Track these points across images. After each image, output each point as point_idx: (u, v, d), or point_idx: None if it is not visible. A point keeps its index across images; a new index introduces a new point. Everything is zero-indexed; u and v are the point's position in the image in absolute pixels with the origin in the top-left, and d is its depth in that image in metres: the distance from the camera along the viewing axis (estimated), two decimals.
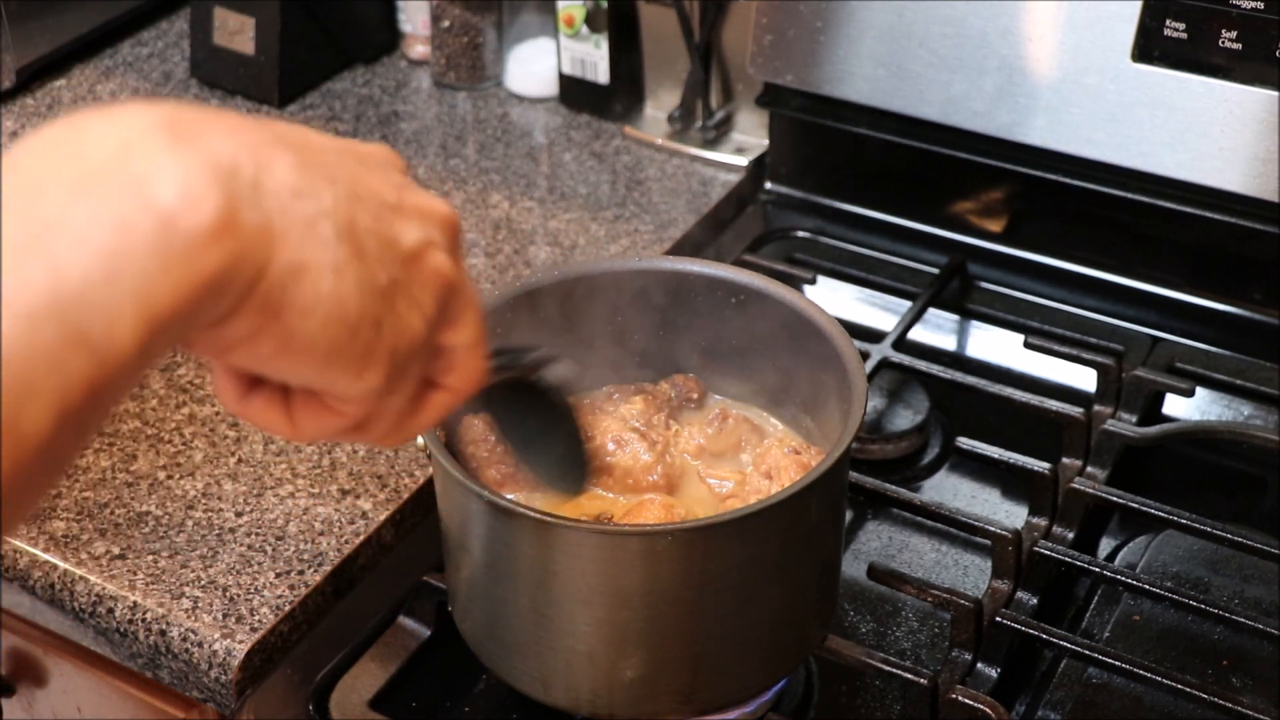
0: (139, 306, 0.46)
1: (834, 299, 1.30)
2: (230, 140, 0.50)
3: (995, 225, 1.34)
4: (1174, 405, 1.19)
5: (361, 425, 0.61)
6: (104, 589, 0.99)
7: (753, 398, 1.00)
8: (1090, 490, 1.05)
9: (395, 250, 0.56)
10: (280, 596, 0.99)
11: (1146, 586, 0.99)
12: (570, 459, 0.87)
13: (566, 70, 1.50)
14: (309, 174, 0.52)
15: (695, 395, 0.99)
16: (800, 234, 1.37)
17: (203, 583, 1.00)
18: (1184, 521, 1.03)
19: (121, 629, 0.99)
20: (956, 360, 1.27)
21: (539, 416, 0.83)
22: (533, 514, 0.81)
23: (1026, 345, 1.21)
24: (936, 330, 1.29)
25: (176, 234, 0.47)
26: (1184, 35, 1.17)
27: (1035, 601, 1.00)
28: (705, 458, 0.96)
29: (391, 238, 0.56)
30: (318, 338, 0.53)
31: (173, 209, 0.47)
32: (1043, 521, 1.06)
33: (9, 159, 0.47)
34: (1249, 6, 1.14)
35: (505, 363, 0.76)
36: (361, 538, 1.03)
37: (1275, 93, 1.15)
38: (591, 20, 1.45)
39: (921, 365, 1.17)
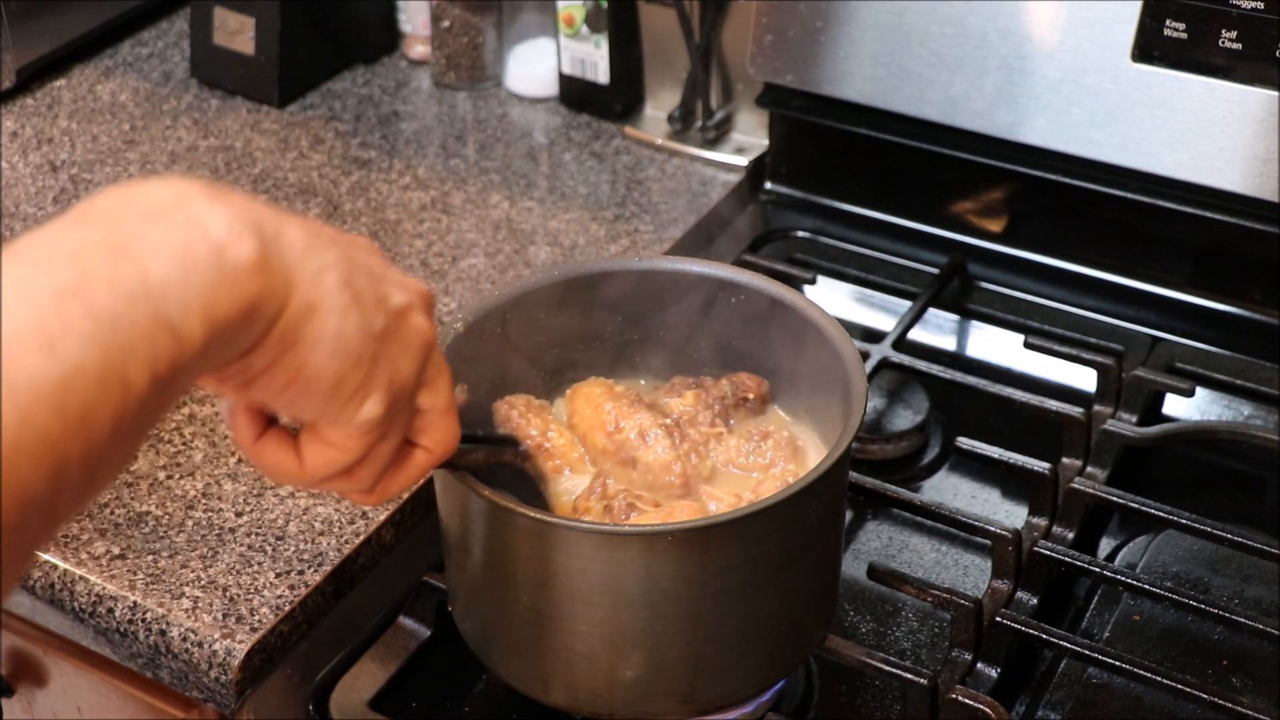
0: (204, 307, 0.55)
1: (834, 299, 1.30)
2: (252, 205, 0.60)
3: (995, 225, 1.34)
4: (1174, 405, 1.19)
5: (356, 467, 0.70)
6: (104, 589, 0.99)
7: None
8: (1090, 490, 1.05)
9: (386, 305, 0.66)
10: (280, 596, 0.99)
11: (1146, 586, 0.99)
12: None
13: (566, 70, 1.50)
14: (314, 237, 0.62)
15: (752, 396, 0.97)
16: (800, 234, 1.37)
17: (203, 583, 1.00)
18: (1184, 521, 1.03)
19: (121, 629, 0.99)
20: (956, 360, 1.27)
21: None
22: (532, 514, 0.81)
23: (1026, 345, 1.21)
24: (936, 330, 1.29)
25: (227, 260, 0.57)
26: (1184, 35, 1.17)
27: (1035, 601, 1.00)
28: (736, 468, 0.94)
29: (383, 295, 0.66)
30: (325, 367, 0.63)
31: (223, 241, 0.57)
32: (1043, 521, 1.06)
33: (82, 204, 0.57)
34: (1249, 6, 1.14)
35: (494, 450, 0.87)
36: (361, 538, 1.03)
37: (1275, 93, 1.15)
38: (591, 20, 1.45)
39: (921, 365, 1.17)
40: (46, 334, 0.50)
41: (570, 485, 0.92)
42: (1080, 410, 1.11)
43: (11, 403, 0.48)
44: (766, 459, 0.93)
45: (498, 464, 0.85)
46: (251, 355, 0.60)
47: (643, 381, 1.01)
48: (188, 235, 0.56)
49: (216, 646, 0.96)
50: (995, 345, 1.27)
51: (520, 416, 0.93)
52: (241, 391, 0.63)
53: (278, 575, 1.00)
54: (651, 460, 0.92)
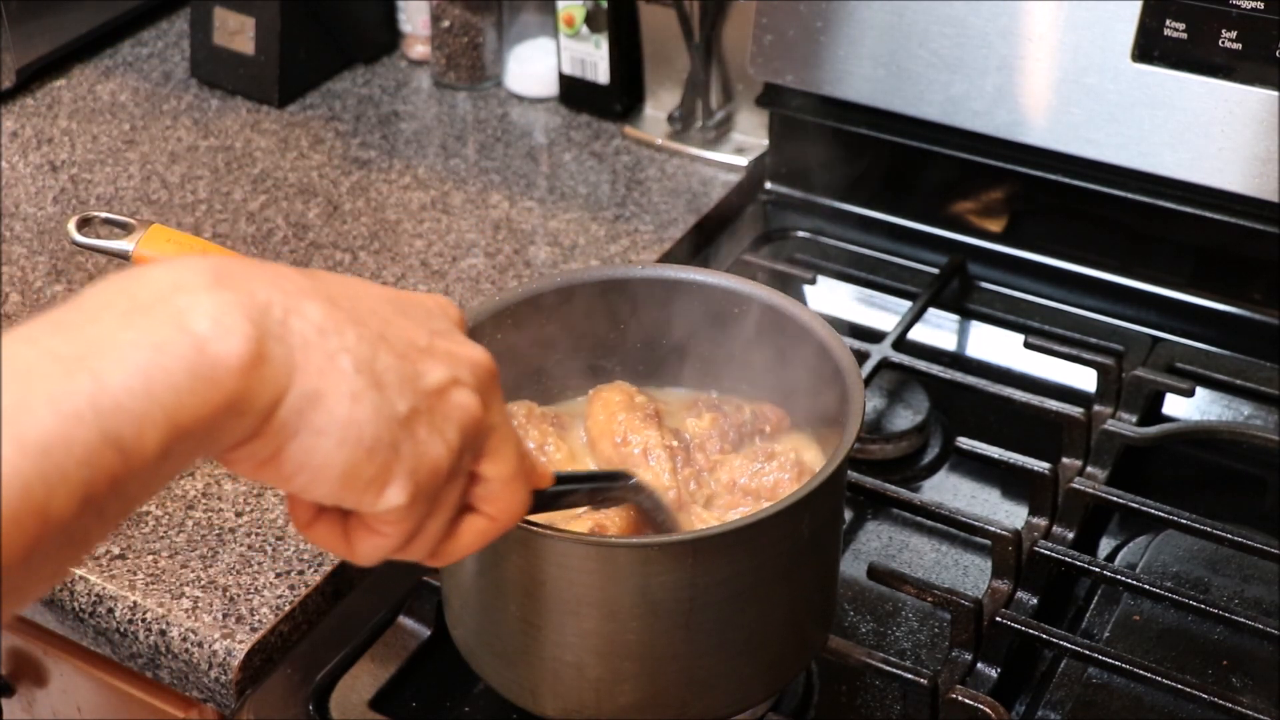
0: (167, 416, 0.53)
1: (834, 299, 1.30)
2: (268, 286, 0.57)
3: (995, 225, 1.34)
4: (1174, 405, 1.19)
5: (406, 545, 0.66)
6: (104, 589, 0.99)
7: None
8: (1090, 490, 1.05)
9: (417, 384, 0.62)
10: (280, 596, 0.99)
11: (1146, 586, 0.99)
12: None
13: (566, 70, 1.50)
14: (336, 316, 0.59)
15: (768, 428, 0.97)
16: (800, 234, 1.37)
17: (203, 583, 1.00)
18: (1184, 521, 1.03)
19: (121, 629, 0.99)
20: (956, 360, 1.27)
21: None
22: (521, 523, 0.80)
23: (1026, 345, 1.21)
24: (936, 330, 1.29)
25: (206, 357, 0.54)
26: (1184, 35, 1.17)
27: (1035, 601, 1.00)
28: (736, 493, 0.93)
29: (414, 374, 0.62)
30: (333, 456, 0.59)
31: (205, 336, 0.54)
32: (1043, 521, 1.06)
33: (75, 298, 0.55)
34: (1249, 6, 1.14)
35: (599, 488, 0.83)
36: None
37: (1275, 93, 1.15)
38: (591, 20, 1.45)
39: (921, 365, 1.17)
40: None
41: None
42: (1080, 410, 1.11)
43: None
44: (770, 480, 0.92)
45: (606, 502, 0.83)
46: (253, 444, 0.58)
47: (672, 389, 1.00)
48: (164, 336, 0.53)
49: (216, 646, 0.96)
50: (995, 345, 1.27)
51: (520, 427, 0.93)
52: (254, 476, 0.60)
53: (278, 575, 1.00)
54: (649, 480, 0.91)
